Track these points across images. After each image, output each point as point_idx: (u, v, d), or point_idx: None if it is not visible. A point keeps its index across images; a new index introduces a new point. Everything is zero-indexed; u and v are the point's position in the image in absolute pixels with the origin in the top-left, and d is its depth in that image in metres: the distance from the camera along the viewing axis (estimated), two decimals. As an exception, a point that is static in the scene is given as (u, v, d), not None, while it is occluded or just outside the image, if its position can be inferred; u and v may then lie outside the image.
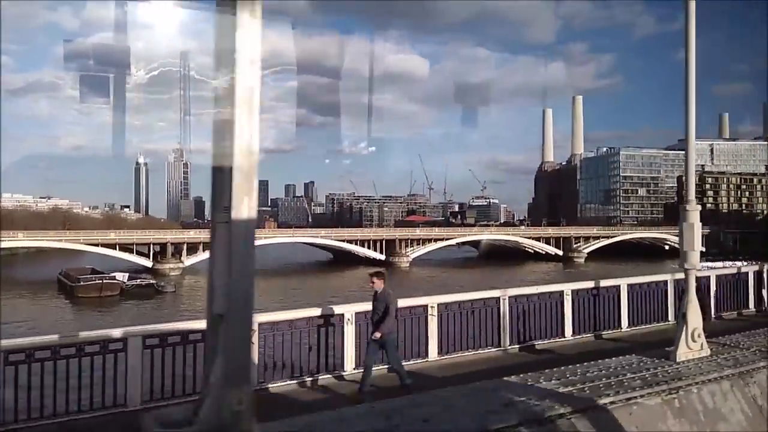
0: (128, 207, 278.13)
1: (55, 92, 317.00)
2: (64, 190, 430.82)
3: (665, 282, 13.96)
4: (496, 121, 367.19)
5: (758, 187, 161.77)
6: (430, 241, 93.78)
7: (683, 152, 8.97)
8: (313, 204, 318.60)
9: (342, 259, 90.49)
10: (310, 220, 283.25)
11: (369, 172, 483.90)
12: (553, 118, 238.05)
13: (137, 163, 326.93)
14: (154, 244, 75.35)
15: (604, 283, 13.23)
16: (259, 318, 9.18)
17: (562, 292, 12.42)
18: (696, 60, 7.66)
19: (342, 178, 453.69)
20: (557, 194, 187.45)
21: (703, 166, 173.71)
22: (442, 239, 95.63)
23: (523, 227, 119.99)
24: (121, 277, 58.35)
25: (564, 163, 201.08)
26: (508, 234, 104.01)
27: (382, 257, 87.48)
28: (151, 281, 56.87)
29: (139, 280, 56.60)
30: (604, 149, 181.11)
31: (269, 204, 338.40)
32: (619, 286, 13.23)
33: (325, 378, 9.77)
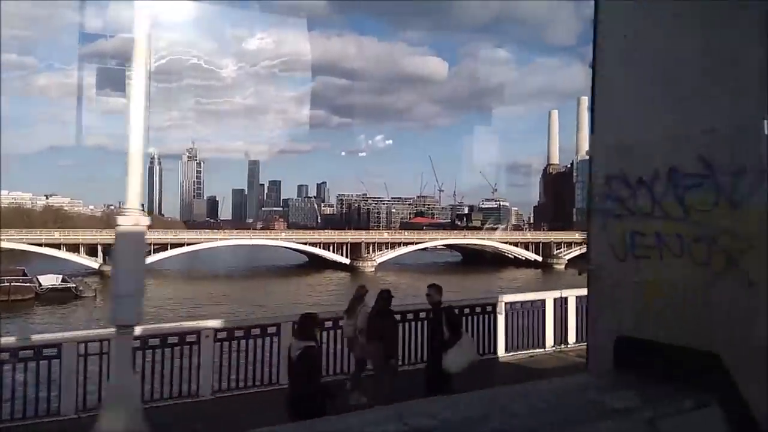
0: (142, 206, 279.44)
1: (73, 90, 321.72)
2: (82, 189, 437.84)
3: None
4: (513, 123, 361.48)
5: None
6: (399, 244, 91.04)
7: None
8: (324, 205, 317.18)
9: (314, 263, 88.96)
10: (319, 220, 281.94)
11: (383, 174, 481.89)
12: (565, 119, 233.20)
13: (151, 162, 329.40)
14: (102, 244, 73.11)
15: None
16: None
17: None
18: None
19: (356, 179, 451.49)
20: (559, 197, 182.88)
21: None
22: (411, 243, 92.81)
23: (498, 232, 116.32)
24: (54, 279, 56.73)
25: (569, 165, 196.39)
26: (483, 239, 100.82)
27: (347, 261, 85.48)
28: (70, 285, 55.03)
29: (57, 284, 54.89)
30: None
31: (281, 204, 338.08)
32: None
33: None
